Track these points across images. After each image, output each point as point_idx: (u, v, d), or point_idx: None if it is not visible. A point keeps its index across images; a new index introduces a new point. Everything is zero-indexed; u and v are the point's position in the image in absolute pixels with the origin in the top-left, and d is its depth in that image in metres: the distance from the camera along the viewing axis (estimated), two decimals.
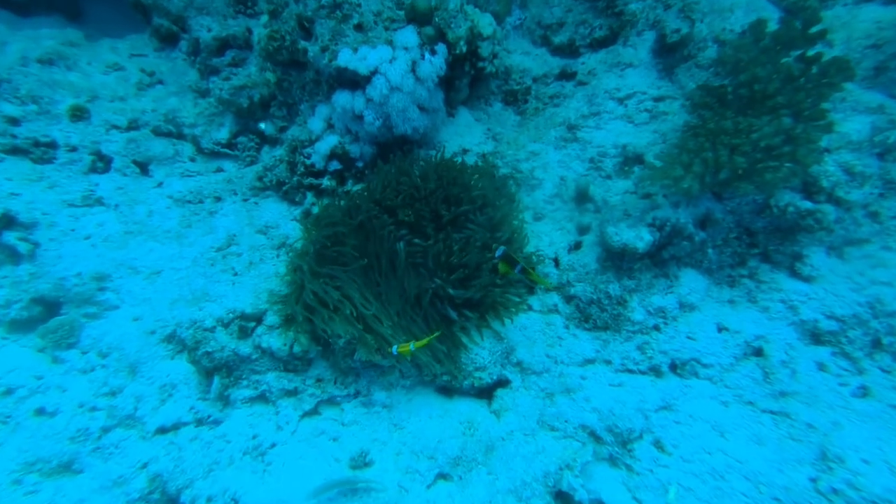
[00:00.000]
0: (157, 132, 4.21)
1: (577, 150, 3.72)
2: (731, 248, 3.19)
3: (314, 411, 3.34)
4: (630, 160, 3.51)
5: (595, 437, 3.05)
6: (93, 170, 3.98)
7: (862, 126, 2.90)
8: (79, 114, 4.01)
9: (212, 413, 3.29)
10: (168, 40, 4.59)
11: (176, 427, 3.25)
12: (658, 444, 2.98)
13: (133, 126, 4.17)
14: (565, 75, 4.02)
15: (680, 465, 2.90)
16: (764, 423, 2.90)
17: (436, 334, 2.76)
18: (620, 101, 3.70)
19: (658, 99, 3.59)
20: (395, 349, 2.71)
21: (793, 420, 2.84)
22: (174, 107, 4.26)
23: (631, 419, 3.01)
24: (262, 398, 3.38)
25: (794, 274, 3.12)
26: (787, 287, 3.11)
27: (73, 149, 3.93)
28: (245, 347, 3.26)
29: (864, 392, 2.85)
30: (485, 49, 3.71)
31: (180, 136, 4.26)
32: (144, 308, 3.54)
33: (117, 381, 3.29)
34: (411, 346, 2.71)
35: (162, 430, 3.22)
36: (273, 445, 3.21)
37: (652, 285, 3.27)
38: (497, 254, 2.78)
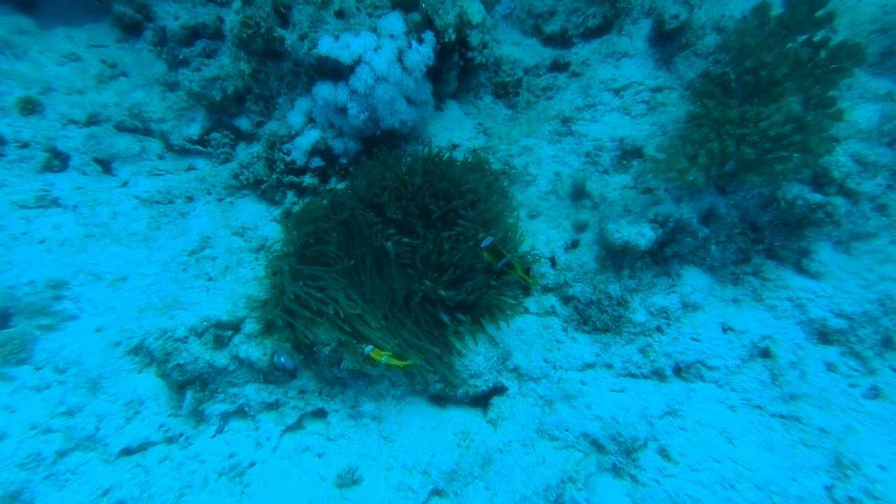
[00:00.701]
0: (121, 128, 3.95)
1: (573, 144, 3.58)
2: (735, 244, 3.07)
3: (297, 425, 3.17)
4: (628, 153, 3.37)
5: (598, 446, 2.92)
6: (48, 168, 3.69)
7: (871, 114, 2.81)
8: (30, 107, 3.70)
9: (184, 431, 3.07)
10: (131, 30, 4.31)
11: (143, 448, 3.01)
12: (664, 453, 2.86)
13: (93, 121, 3.89)
14: (558, 66, 3.87)
15: (687, 475, 2.76)
16: (774, 428, 2.78)
17: (409, 362, 2.62)
18: (616, 92, 3.56)
19: (656, 89, 3.47)
20: (368, 349, 2.54)
21: (804, 424, 2.72)
22: (140, 100, 3.99)
23: (635, 426, 2.89)
24: (241, 413, 3.18)
25: (801, 270, 3.01)
26: (793, 284, 3.00)
27: (25, 145, 3.63)
28: (221, 358, 3.07)
29: (875, 393, 2.74)
30: (474, 38, 3.53)
31: (147, 132, 4.01)
32: (108, 317, 3.27)
33: (76, 400, 3.01)
34: (384, 358, 2.55)
35: (127, 452, 2.98)
36: (252, 464, 3.02)
37: (654, 284, 3.13)
38: (483, 244, 2.64)
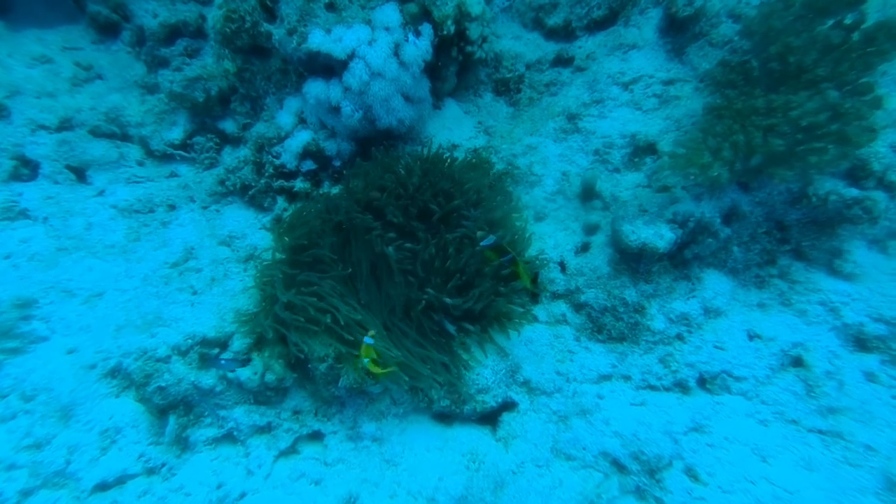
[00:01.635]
0: (97, 133, 3.71)
1: (580, 142, 3.40)
2: (760, 244, 2.89)
3: (292, 450, 2.94)
4: (641, 150, 3.20)
5: (618, 466, 2.71)
6: (15, 177, 3.45)
7: None
8: None
9: (167, 460, 2.83)
10: (108, 31, 4.09)
11: (121, 481, 2.75)
12: (691, 473, 2.66)
13: (66, 126, 3.66)
14: (561, 61, 3.69)
15: (718, 498, 2.54)
16: (812, 444, 2.58)
17: (388, 369, 2.46)
18: (625, 86, 3.39)
19: (668, 82, 3.29)
20: (368, 339, 2.39)
21: (847, 441, 2.51)
22: (117, 104, 3.76)
23: (658, 444, 2.68)
24: (230, 438, 2.94)
25: (834, 272, 2.83)
26: (825, 287, 2.82)
27: None
28: (207, 379, 2.85)
29: None
30: (473, 31, 3.35)
31: (125, 138, 3.78)
32: (82, 338, 3.03)
33: (44, 430, 2.75)
34: (365, 361, 2.39)
35: (102, 487, 2.72)
36: (243, 495, 2.78)
37: (672, 289, 2.95)
38: (484, 242, 2.50)
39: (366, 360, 2.37)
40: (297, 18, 3.14)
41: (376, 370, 2.39)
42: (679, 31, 3.28)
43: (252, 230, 3.46)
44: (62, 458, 2.69)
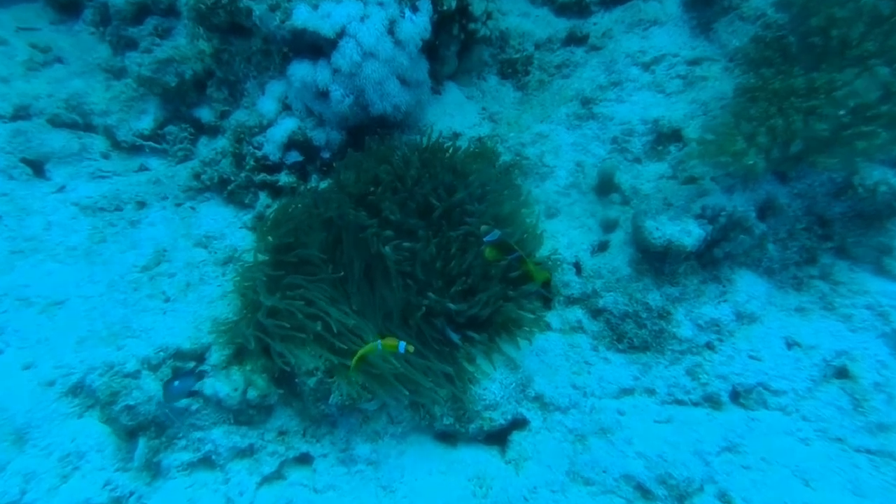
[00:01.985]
0: (56, 122, 3.47)
1: (596, 129, 3.20)
2: (799, 241, 2.70)
3: (277, 475, 2.73)
4: (664, 138, 3.00)
5: (643, 490, 2.49)
6: None
7: None
8: None
9: (135, 488, 2.60)
10: (68, 9, 3.89)
11: None
12: (724, 498, 2.41)
13: (21, 115, 3.42)
14: (574, 39, 3.49)
15: None
16: (860, 465, 2.36)
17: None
18: (646, 66, 3.19)
19: (693, 62, 3.08)
20: (402, 345, 2.24)
21: None
22: (79, 90, 3.53)
23: (687, 465, 2.46)
24: (207, 462, 2.72)
25: (882, 271, 2.64)
26: (873, 288, 2.62)
27: None
28: None
29: None
30: (477, 6, 3.17)
31: (88, 128, 3.55)
32: (40, 351, 2.79)
33: None
34: (378, 343, 2.28)
35: None
36: None
37: (701, 292, 2.75)
38: (488, 238, 2.35)
39: (379, 345, 2.23)
40: None
41: (354, 365, 2.26)
42: (706, 5, 3.10)
43: (231, 230, 3.23)
44: (16, 487, 2.44)
